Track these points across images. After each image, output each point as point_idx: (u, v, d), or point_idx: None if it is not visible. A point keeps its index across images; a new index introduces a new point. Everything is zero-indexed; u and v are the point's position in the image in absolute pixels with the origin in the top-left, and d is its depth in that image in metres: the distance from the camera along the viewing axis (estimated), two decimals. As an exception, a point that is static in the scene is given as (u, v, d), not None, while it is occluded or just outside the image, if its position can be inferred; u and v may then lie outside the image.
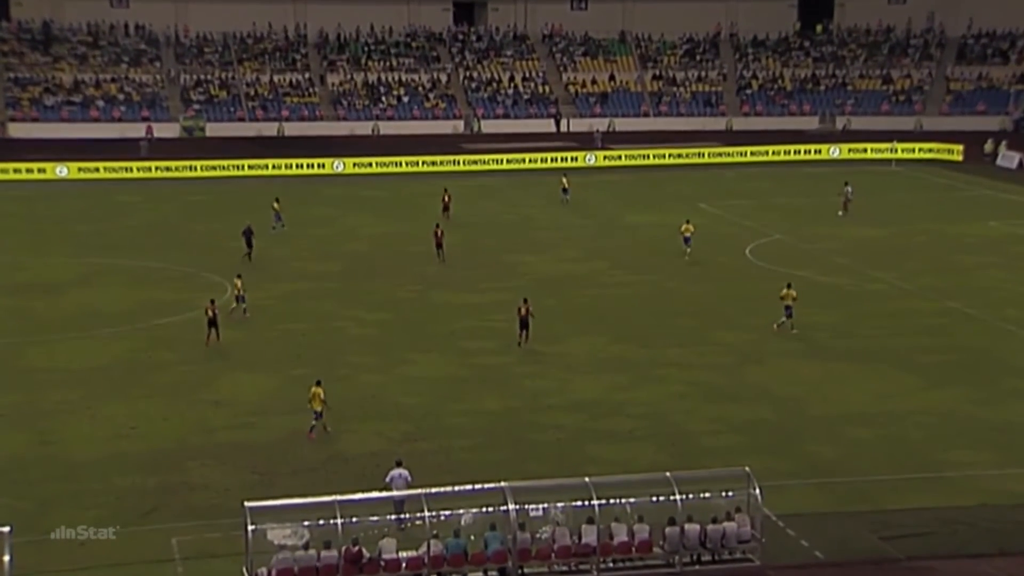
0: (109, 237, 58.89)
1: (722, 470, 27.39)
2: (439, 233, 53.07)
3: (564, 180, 70.15)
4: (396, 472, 26.98)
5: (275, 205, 59.40)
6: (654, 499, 24.96)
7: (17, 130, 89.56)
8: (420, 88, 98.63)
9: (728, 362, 38.93)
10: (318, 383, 32.36)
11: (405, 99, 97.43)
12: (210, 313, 40.43)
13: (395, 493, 26.07)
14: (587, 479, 25.03)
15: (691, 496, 25.00)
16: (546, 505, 24.76)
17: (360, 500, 25.36)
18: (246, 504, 23.84)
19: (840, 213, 62.79)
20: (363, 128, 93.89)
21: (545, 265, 52.79)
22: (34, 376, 37.70)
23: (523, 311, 40.36)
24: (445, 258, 52.32)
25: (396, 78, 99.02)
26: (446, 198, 63.20)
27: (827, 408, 34.75)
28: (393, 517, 25.00)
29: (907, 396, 35.77)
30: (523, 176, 78.53)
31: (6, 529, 23.18)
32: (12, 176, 75.49)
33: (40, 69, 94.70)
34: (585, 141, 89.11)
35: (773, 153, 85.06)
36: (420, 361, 39.10)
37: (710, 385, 36.69)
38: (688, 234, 53.51)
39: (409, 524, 24.69)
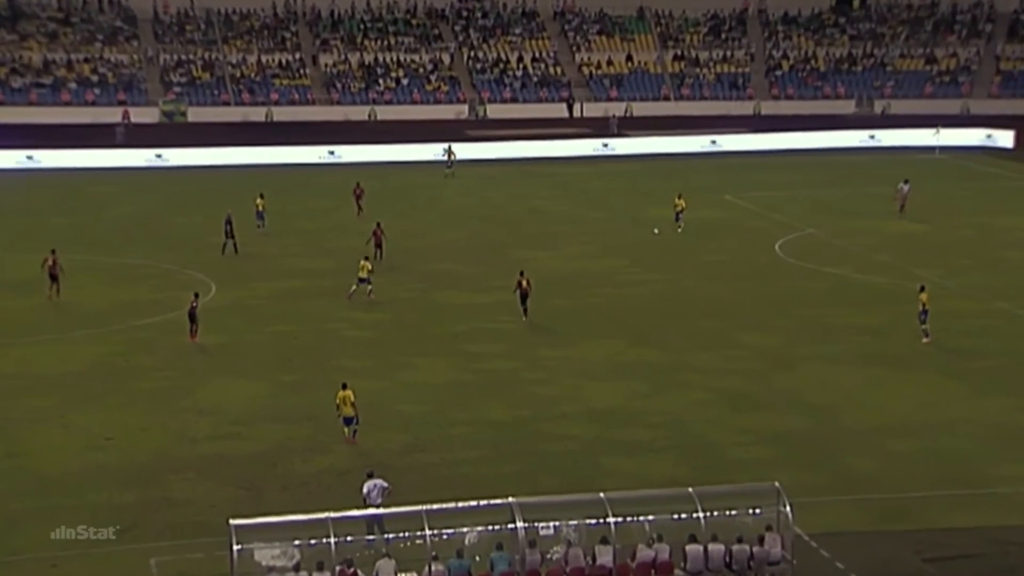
0: (83, 231, 59.09)
1: (750, 485, 27.40)
2: (378, 233, 51.82)
3: (450, 154, 72.97)
4: (371, 483, 27.17)
5: (258, 202, 58.46)
6: (675, 516, 24.95)
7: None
8: (421, 69, 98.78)
9: (756, 367, 38.94)
10: (344, 386, 32.60)
11: (404, 81, 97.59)
12: (193, 306, 41.31)
13: (383, 510, 26.09)
14: (602, 494, 25.02)
15: (715, 513, 24.98)
16: (558, 523, 24.78)
17: (356, 517, 25.46)
18: (232, 522, 23.85)
19: (898, 212, 61.94)
20: (359, 113, 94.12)
21: (556, 262, 52.84)
22: (2, 382, 37.79)
23: (524, 284, 43.07)
24: (383, 257, 51.38)
25: (394, 58, 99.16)
26: (358, 191, 62.35)
27: (864, 418, 34.73)
28: (371, 538, 24.89)
29: (952, 404, 35.72)
30: (533, 165, 78.58)
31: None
32: (-24, 165, 75.75)
33: (6, 48, 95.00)
34: (600, 127, 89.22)
35: (805, 140, 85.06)
36: (421, 366, 39.17)
37: (736, 392, 36.70)
38: (679, 209, 58.16)
39: (387, 544, 24.59)
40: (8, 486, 30.27)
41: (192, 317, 41.24)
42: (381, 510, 26.24)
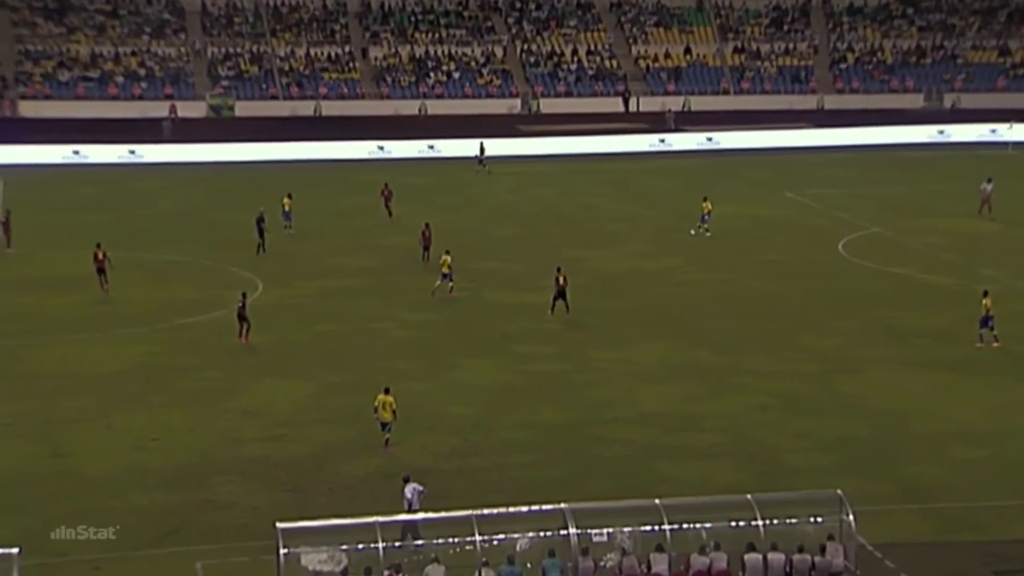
0: (128, 227, 59.62)
1: (810, 492, 27.24)
2: (427, 234, 51.97)
3: (481, 151, 73.45)
4: (410, 488, 27.37)
5: (285, 202, 57.86)
6: (733, 524, 24.89)
7: (28, 108, 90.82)
8: (473, 63, 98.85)
9: (817, 371, 38.72)
10: (387, 391, 32.64)
11: (456, 75, 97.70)
12: (240, 305, 41.59)
13: (429, 515, 26.17)
14: (657, 501, 25.01)
15: (775, 521, 24.89)
16: (611, 529, 24.76)
17: (404, 521, 25.57)
18: (278, 525, 24.05)
19: (987, 212, 60.71)
20: (409, 107, 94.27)
21: (610, 261, 52.76)
22: (45, 382, 38.24)
23: (561, 280, 43.50)
24: (430, 259, 51.09)
25: (446, 51, 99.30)
26: (386, 193, 61.66)
27: (929, 424, 34.45)
28: (420, 542, 25.03)
29: (1021, 410, 35.38)
30: (587, 162, 78.49)
31: (15, 551, 23.53)
32: (22, 159, 76.58)
33: (54, 41, 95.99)
34: (657, 122, 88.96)
35: (871, 135, 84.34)
36: (470, 367, 39.24)
37: (797, 396, 36.50)
38: (706, 212, 56.97)
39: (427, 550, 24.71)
40: (52, 487, 30.61)
41: (241, 317, 41.54)
42: (423, 515, 26.28)
